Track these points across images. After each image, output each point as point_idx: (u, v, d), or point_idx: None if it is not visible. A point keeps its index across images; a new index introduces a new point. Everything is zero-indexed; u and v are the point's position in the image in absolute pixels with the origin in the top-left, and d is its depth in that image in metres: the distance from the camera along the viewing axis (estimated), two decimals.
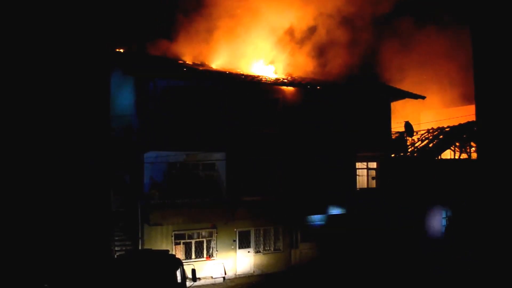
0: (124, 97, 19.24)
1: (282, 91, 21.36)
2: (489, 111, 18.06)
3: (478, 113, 19.05)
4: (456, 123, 26.78)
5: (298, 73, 24.60)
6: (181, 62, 22.21)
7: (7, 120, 17.49)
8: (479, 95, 18.79)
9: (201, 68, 21.65)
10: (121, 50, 21.69)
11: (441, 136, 26.85)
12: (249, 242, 20.61)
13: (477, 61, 18.48)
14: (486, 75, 18.12)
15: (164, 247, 18.25)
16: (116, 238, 18.89)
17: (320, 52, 24.80)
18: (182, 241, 19.26)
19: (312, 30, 24.20)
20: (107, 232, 18.24)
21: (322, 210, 21.56)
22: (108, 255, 17.44)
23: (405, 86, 26.89)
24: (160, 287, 13.10)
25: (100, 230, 17.98)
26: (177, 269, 13.56)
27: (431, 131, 27.75)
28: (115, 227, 19.05)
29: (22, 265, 15.85)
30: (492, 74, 17.85)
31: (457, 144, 26.87)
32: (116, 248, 18.41)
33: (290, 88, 21.44)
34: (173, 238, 19.05)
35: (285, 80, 22.20)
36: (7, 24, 18.13)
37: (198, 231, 19.58)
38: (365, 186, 23.45)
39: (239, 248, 20.36)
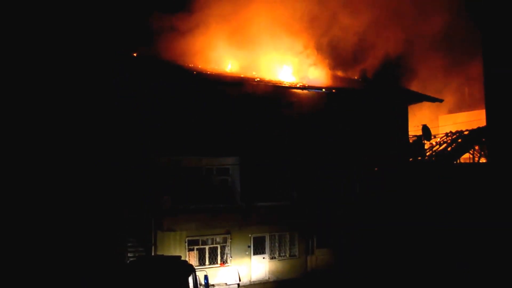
0: (136, 100, 19.16)
1: (297, 95, 21.18)
2: (499, 115, 17.86)
3: (488, 117, 18.77)
4: (475, 127, 26.17)
5: (314, 78, 24.31)
6: (193, 66, 22.10)
7: (14, 126, 17.52)
8: (489, 100, 18.58)
9: (214, 72, 21.52)
10: (135, 54, 21.71)
11: (459, 140, 26.23)
12: (264, 248, 20.27)
13: (487, 66, 18.29)
14: (496, 81, 17.88)
15: (177, 253, 18.01)
16: (129, 244, 18.73)
17: (336, 55, 24.53)
18: (195, 247, 19.01)
19: (327, 32, 23.93)
20: (119, 237, 18.08)
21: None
22: (121, 261, 17.28)
23: (423, 89, 26.48)
24: None
25: (112, 236, 17.84)
26: (189, 275, 13.33)
27: (449, 134, 27.13)
28: (128, 233, 18.90)
29: (31, 270, 15.79)
30: (502, 81, 17.60)
31: (476, 147, 26.22)
32: (129, 254, 18.25)
33: (305, 92, 21.21)
34: (186, 244, 18.80)
35: (299, 84, 21.94)
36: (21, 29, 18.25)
37: (212, 237, 19.32)
38: None
39: (254, 254, 20.03)
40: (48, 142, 17.92)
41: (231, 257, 19.48)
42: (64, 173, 17.94)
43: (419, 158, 24.56)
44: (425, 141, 24.78)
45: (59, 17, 19.11)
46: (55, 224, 17.22)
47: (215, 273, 18.83)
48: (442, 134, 27.49)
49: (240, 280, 19.43)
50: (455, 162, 25.28)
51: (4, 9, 18.12)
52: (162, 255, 17.02)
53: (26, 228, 16.74)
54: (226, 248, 19.49)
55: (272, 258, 20.35)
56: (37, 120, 17.79)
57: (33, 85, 17.82)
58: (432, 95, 25.47)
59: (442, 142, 26.68)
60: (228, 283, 19.13)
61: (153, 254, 18.13)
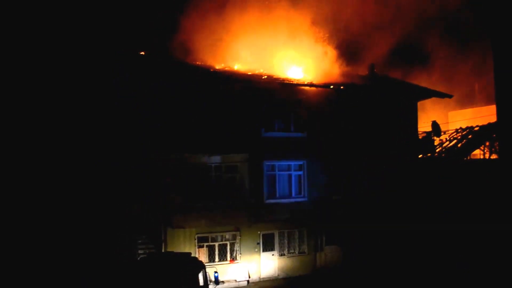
0: (143, 98, 19.27)
1: (305, 93, 21.12)
2: (510, 111, 17.69)
3: (499, 113, 18.61)
4: (485, 123, 25.96)
5: (321, 75, 24.26)
6: (200, 63, 22.17)
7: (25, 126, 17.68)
8: (500, 95, 18.42)
9: (222, 70, 21.57)
10: (143, 53, 21.84)
11: (470, 136, 26.04)
12: (273, 245, 20.35)
13: (497, 62, 18.14)
14: (507, 76, 17.71)
15: (187, 250, 18.14)
16: (140, 241, 18.92)
17: (345, 49, 24.42)
18: (205, 244, 19.16)
19: (335, 30, 23.85)
20: (129, 235, 18.25)
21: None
22: (131, 258, 17.45)
23: (432, 85, 26.30)
24: None
25: (122, 234, 18.00)
26: (199, 272, 13.43)
27: (459, 130, 26.95)
28: (139, 230, 19.06)
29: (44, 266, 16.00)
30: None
31: (487, 144, 26.01)
32: (140, 251, 18.43)
33: (313, 89, 21.16)
34: (196, 241, 18.96)
35: (307, 81, 21.90)
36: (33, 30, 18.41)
37: (221, 234, 19.44)
38: None
39: (263, 251, 20.11)
40: (58, 141, 18.08)
41: (240, 254, 19.58)
42: (74, 171, 18.09)
43: (429, 154, 24.44)
44: (435, 138, 24.65)
45: (66, 17, 19.26)
46: (64, 222, 17.39)
47: (225, 270, 18.95)
48: (452, 130, 27.34)
49: (249, 277, 19.53)
50: (465, 158, 25.12)
51: (12, 7, 18.31)
52: (172, 251, 17.14)
53: (36, 226, 16.94)
54: (236, 245, 19.60)
55: (281, 255, 20.42)
56: (55, 119, 17.96)
57: (46, 84, 17.99)
58: (442, 90, 25.28)
59: (452, 138, 26.54)
60: (237, 280, 19.24)
61: (163, 251, 18.30)
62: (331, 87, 21.53)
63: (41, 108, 17.81)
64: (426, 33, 31.74)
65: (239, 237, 19.63)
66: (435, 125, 24.12)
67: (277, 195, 20.31)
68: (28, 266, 15.84)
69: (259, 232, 20.00)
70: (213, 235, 19.31)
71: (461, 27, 32.39)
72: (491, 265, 18.11)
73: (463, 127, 27.03)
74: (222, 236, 19.49)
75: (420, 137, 24.07)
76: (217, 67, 21.78)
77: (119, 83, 18.36)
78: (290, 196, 20.50)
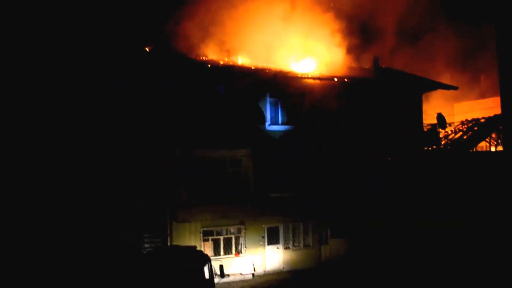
0: (147, 93, 19.32)
1: (309, 86, 21.07)
2: None
3: (503, 104, 18.52)
4: (491, 114, 25.80)
5: (326, 68, 24.20)
6: (203, 59, 22.15)
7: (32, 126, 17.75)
8: (504, 86, 18.32)
9: (226, 64, 21.56)
10: (147, 49, 21.83)
11: (476, 128, 25.89)
12: (278, 239, 20.42)
13: (501, 53, 18.03)
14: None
15: (192, 243, 18.22)
16: (146, 236, 19.03)
17: (348, 45, 24.30)
18: (210, 237, 19.27)
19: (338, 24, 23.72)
20: (134, 230, 18.36)
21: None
22: (137, 252, 17.58)
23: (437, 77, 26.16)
24: (187, 283, 13.05)
25: (125, 229, 18.11)
26: (205, 265, 13.50)
27: (465, 122, 26.79)
28: (145, 225, 19.17)
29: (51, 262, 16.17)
30: None
31: (493, 135, 25.86)
32: (146, 245, 18.54)
33: (317, 82, 21.11)
34: (201, 234, 19.07)
35: (311, 74, 21.84)
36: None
37: (226, 227, 19.54)
38: None
39: (268, 244, 20.19)
40: (59, 140, 18.13)
41: (245, 247, 19.68)
42: (75, 170, 18.15)
43: (434, 146, 24.34)
44: (440, 130, 24.53)
45: (65, 17, 19.27)
46: (67, 221, 17.51)
47: (230, 263, 19.03)
48: (457, 122, 27.18)
49: (254, 270, 19.63)
50: (471, 150, 24.98)
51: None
52: (178, 245, 17.26)
53: (38, 226, 17.05)
54: (241, 239, 19.69)
55: (286, 248, 20.48)
56: (56, 118, 18.03)
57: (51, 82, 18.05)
58: (447, 82, 25.15)
59: (457, 130, 26.40)
60: (243, 273, 19.35)
61: (169, 244, 18.42)
62: (335, 79, 21.48)
63: (42, 108, 17.87)
64: (432, 23, 31.51)
65: (244, 231, 19.72)
66: (440, 117, 23.99)
67: (282, 189, 20.30)
68: (30, 265, 15.98)
69: (263, 226, 20.08)
70: (218, 228, 19.41)
71: (467, 17, 32.14)
72: (492, 264, 17.96)
73: (469, 119, 26.88)
74: (227, 229, 19.59)
75: (425, 129, 23.99)
76: (221, 62, 21.75)
77: (119, 81, 18.39)
78: (294, 190, 20.47)
